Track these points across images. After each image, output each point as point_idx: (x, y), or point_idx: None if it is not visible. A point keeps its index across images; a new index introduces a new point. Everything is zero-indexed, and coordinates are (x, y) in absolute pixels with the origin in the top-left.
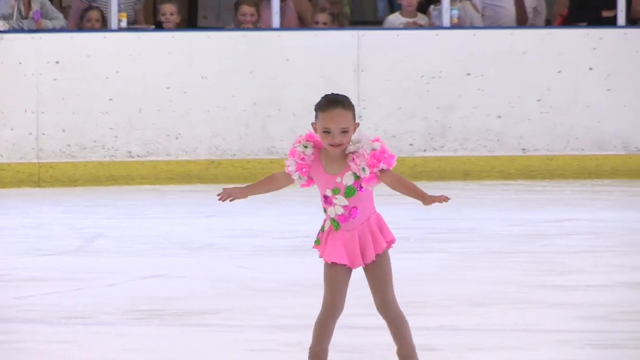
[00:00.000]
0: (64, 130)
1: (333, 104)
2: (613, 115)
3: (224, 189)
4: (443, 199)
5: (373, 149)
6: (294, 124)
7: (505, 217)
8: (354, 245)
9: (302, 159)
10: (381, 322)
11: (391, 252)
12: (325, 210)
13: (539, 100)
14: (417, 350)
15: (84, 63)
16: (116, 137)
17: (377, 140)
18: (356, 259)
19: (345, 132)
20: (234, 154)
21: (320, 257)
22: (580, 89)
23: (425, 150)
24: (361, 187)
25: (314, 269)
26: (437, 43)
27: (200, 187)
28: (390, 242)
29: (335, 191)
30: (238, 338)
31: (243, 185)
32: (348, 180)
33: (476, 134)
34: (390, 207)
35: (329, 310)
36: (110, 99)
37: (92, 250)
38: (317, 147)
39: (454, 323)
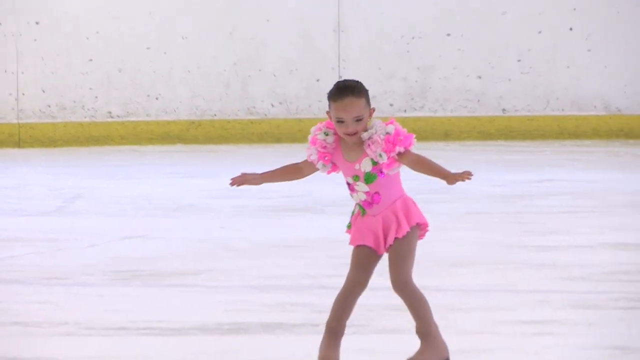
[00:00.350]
0: (43, 91)
1: (343, 92)
2: (593, 75)
3: (242, 173)
4: (466, 176)
5: (387, 133)
6: (274, 84)
7: (486, 177)
8: (378, 229)
9: (324, 147)
10: None
11: None
12: (351, 196)
13: (519, 60)
14: (399, 310)
15: (64, 23)
16: (96, 97)
17: (392, 122)
18: (379, 246)
19: (359, 120)
20: (214, 115)
21: (350, 244)
22: (560, 49)
23: (405, 111)
24: (382, 172)
25: (293, 230)
26: (418, 3)
27: (181, 148)
28: (421, 225)
29: (356, 178)
30: (217, 299)
31: (260, 173)
32: (366, 166)
33: (456, 94)
34: None
35: (349, 285)
36: (90, 59)
37: (72, 211)
38: (337, 134)
39: (435, 284)
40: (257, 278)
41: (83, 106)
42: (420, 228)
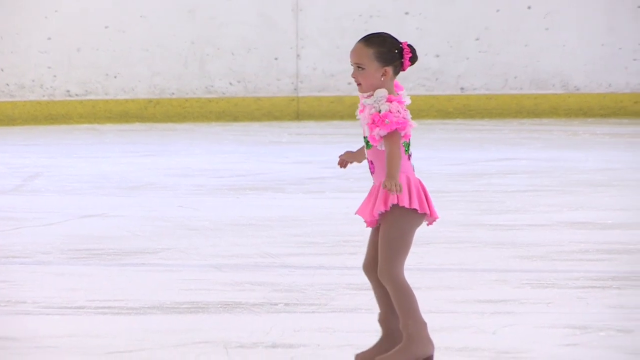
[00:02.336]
0: (2, 70)
1: (360, 39)
2: (552, 54)
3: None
4: (395, 190)
5: (377, 111)
6: (232, 62)
7: (444, 156)
8: (367, 201)
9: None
10: (320, 261)
11: (325, 190)
12: None
13: (477, 39)
14: (358, 289)
15: (23, 2)
16: (55, 76)
17: (390, 101)
18: (365, 217)
19: (360, 68)
20: (173, 93)
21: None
22: (518, 28)
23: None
24: (375, 146)
25: (252, 208)
26: None
27: (139, 126)
28: (409, 210)
29: (364, 139)
30: (176, 278)
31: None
32: (366, 131)
33: (414, 73)
34: (328, 145)
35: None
36: (49, 38)
37: (30, 190)
38: None
39: None
40: (216, 257)
41: (42, 85)
42: (413, 213)
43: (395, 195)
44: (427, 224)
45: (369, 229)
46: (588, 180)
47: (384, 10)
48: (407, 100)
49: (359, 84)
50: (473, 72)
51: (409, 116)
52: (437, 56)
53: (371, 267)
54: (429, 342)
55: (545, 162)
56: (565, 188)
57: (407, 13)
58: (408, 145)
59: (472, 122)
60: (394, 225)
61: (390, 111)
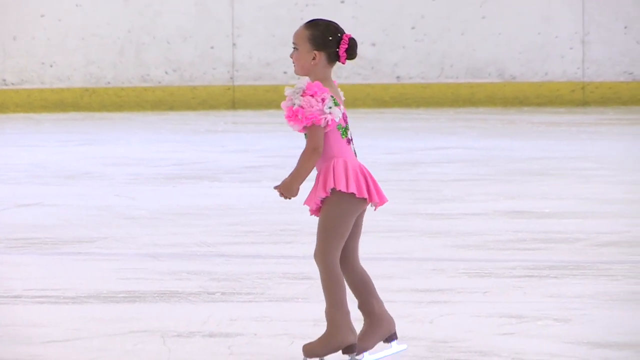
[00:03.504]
0: None
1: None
2: (488, 43)
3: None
4: (280, 193)
5: (291, 103)
6: (167, 51)
7: (380, 145)
8: (312, 189)
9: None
10: (256, 250)
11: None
12: None
13: (413, 28)
14: (294, 278)
15: None
16: None
17: (305, 95)
18: (310, 205)
19: (295, 48)
20: (109, 82)
21: None
22: (454, 16)
23: (299, 78)
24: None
25: (189, 197)
26: None
27: (75, 115)
28: (345, 193)
29: None
30: (113, 266)
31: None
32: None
33: (350, 61)
34: (264, 134)
35: None
36: None
37: None
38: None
39: None
40: (153, 246)
41: None
42: (351, 197)
43: (332, 179)
44: (374, 209)
45: (305, 219)
46: (524, 169)
47: None
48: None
49: (294, 65)
50: (409, 61)
51: (332, 103)
52: (373, 45)
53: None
54: (350, 332)
55: (482, 150)
56: (501, 177)
57: (342, 2)
58: (345, 129)
59: (408, 111)
60: (331, 209)
61: (302, 106)
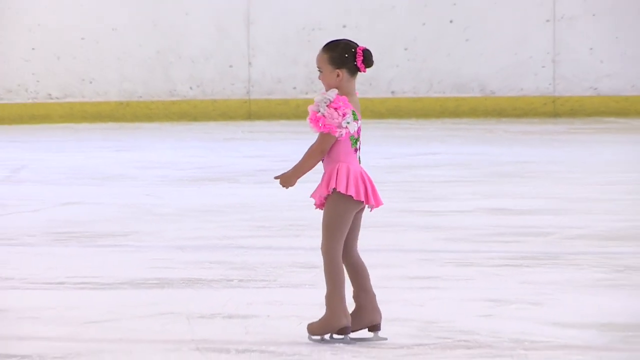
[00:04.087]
0: None
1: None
2: (471, 62)
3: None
4: (280, 182)
5: (317, 110)
6: (192, 69)
7: (377, 150)
8: (318, 186)
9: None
10: (269, 243)
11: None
12: None
13: (406, 49)
14: (302, 267)
15: (8, 17)
16: (38, 81)
17: (331, 106)
18: (315, 199)
19: (320, 71)
20: (140, 96)
21: None
22: (442, 39)
23: (306, 93)
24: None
25: (210, 197)
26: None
27: (111, 125)
28: (343, 194)
29: None
30: (144, 257)
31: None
32: None
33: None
34: (276, 142)
35: None
36: (33, 48)
37: (17, 180)
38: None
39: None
40: (179, 239)
41: (26, 89)
42: (349, 198)
43: (335, 181)
44: (370, 210)
45: (312, 216)
46: (502, 171)
47: (324, 23)
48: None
49: (323, 84)
50: (402, 78)
51: (351, 118)
52: None
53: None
54: (344, 316)
55: (466, 156)
56: (483, 179)
57: (344, 26)
58: (356, 140)
59: (402, 122)
60: (331, 207)
61: (324, 116)
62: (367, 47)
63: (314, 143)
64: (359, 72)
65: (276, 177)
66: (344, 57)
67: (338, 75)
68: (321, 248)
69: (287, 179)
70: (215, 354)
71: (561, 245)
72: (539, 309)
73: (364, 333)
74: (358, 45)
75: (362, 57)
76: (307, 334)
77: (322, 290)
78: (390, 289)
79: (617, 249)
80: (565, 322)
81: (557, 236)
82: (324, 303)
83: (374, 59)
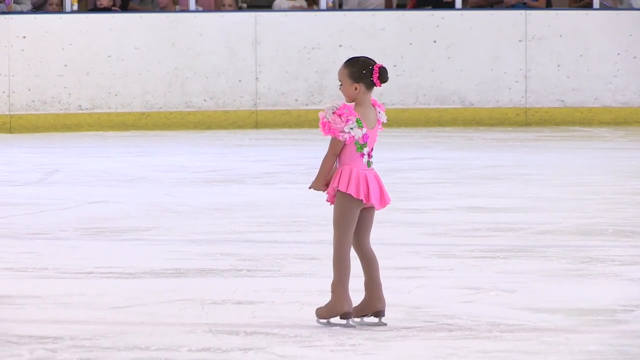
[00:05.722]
0: (29, 89)
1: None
2: (452, 77)
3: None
4: (313, 188)
5: (326, 117)
6: (206, 84)
7: None
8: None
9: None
10: (273, 237)
11: (277, 182)
12: None
13: (394, 65)
14: (303, 258)
15: (45, 37)
16: (69, 94)
17: (336, 113)
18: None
19: (340, 84)
20: (160, 107)
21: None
22: (426, 56)
23: (307, 105)
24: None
25: (221, 196)
26: (316, 21)
27: (134, 133)
28: (342, 192)
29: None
30: (162, 249)
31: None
32: None
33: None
34: (280, 148)
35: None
36: (65, 65)
37: (50, 182)
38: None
39: (329, 237)
40: (194, 234)
41: (59, 101)
42: (350, 197)
43: (338, 181)
44: (376, 209)
45: (312, 213)
46: (479, 174)
47: (322, 43)
48: (383, 118)
49: (343, 95)
50: (391, 91)
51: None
52: None
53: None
54: (346, 303)
55: (447, 160)
56: (462, 181)
57: (340, 45)
58: (361, 146)
59: (391, 130)
60: (337, 205)
61: (329, 121)
62: (383, 65)
63: (327, 151)
64: (375, 87)
65: (309, 188)
66: (362, 73)
67: (356, 89)
68: (333, 241)
69: (315, 185)
70: (226, 335)
71: (532, 240)
72: (513, 296)
73: (370, 318)
74: (375, 63)
75: (378, 74)
76: (310, 318)
77: (321, 279)
78: (380, 278)
79: (583, 242)
80: (536, 308)
81: (528, 231)
82: (328, 290)
83: (388, 75)
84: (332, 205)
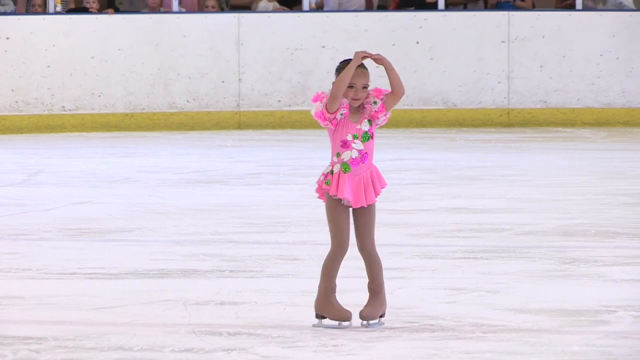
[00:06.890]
0: (12, 90)
1: (361, 67)
2: (435, 78)
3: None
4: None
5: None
6: (189, 85)
7: None
8: (359, 187)
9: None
10: (256, 238)
11: (260, 183)
12: (339, 155)
13: (377, 67)
14: (286, 259)
15: (28, 38)
16: (53, 95)
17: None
18: (358, 200)
19: (365, 87)
20: (143, 108)
21: (333, 194)
22: (409, 58)
23: (290, 106)
24: (373, 136)
25: (204, 197)
26: (299, 23)
27: (118, 134)
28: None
29: (355, 136)
30: (146, 250)
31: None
32: (365, 126)
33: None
34: (263, 149)
35: (340, 249)
36: (48, 66)
37: (34, 183)
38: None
39: (312, 238)
40: (177, 234)
41: (43, 102)
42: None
43: (382, 182)
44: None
45: (295, 214)
46: (463, 175)
47: (305, 45)
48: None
49: (358, 99)
50: None
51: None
52: None
53: (348, 246)
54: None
55: (430, 161)
56: (445, 181)
57: (323, 47)
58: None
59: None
60: (375, 209)
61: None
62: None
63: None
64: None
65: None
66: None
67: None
68: (367, 247)
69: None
70: (209, 336)
71: (515, 240)
72: (495, 297)
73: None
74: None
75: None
76: (293, 319)
77: (303, 280)
78: (361, 278)
79: (565, 243)
80: (519, 308)
81: (511, 232)
82: (311, 291)
83: None
84: (367, 211)
